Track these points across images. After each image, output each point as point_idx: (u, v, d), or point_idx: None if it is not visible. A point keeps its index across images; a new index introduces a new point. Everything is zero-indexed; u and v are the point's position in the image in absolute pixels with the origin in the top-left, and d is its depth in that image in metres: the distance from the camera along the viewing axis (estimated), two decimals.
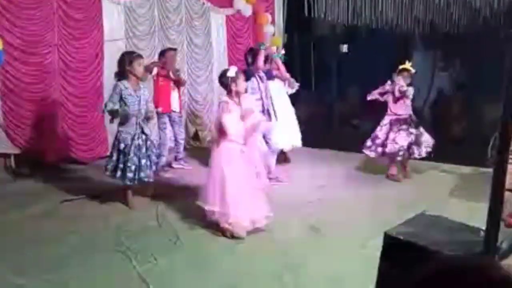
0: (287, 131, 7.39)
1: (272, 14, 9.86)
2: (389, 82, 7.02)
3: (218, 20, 9.27)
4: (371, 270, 2.33)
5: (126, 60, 5.64)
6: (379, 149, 6.84)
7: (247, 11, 9.34)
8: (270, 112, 6.75)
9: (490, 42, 10.38)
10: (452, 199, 6.04)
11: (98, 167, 7.48)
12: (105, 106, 5.67)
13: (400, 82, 6.79)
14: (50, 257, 4.45)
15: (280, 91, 7.52)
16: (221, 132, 4.88)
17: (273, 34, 9.81)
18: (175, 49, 7.40)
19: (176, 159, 7.58)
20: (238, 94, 4.98)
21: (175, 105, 7.22)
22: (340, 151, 8.57)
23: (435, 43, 12.43)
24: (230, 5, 9.21)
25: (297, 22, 10.73)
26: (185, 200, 5.80)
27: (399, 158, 6.82)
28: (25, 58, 6.94)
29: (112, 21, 7.75)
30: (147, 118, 5.84)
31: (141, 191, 6.03)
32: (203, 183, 5.15)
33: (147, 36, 8.07)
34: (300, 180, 7.05)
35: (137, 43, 7.97)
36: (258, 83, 6.66)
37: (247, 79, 6.38)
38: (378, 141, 6.86)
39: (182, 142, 7.55)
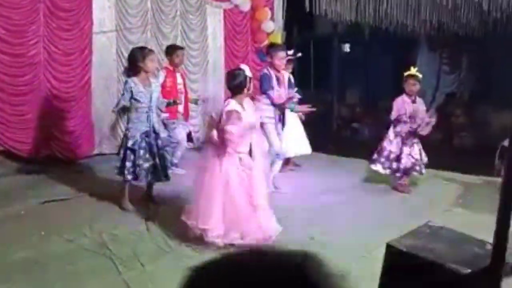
0: (294, 138, 7.36)
1: (272, 9, 9.87)
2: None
3: (215, 14, 9.27)
4: (372, 282, 2.34)
5: (138, 56, 5.66)
6: (394, 165, 6.71)
7: (246, 5, 9.34)
8: (284, 118, 6.62)
9: (500, 45, 10.48)
10: (457, 209, 6.07)
11: (84, 166, 7.52)
12: (117, 105, 5.76)
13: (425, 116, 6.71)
14: (30, 261, 4.42)
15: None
16: (224, 141, 4.66)
17: (272, 31, 9.83)
18: (182, 48, 7.38)
19: (170, 163, 7.50)
20: (245, 97, 4.85)
21: (181, 108, 7.25)
22: (339, 156, 8.58)
23: (442, 44, 12.51)
24: None
25: (297, 19, 10.74)
26: (177, 205, 5.80)
27: (413, 173, 6.78)
28: (9, 49, 6.91)
29: (102, 12, 7.75)
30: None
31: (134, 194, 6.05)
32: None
33: (139, 29, 8.07)
34: (298, 187, 7.03)
35: (128, 36, 7.97)
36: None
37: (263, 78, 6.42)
38: (392, 156, 6.72)
39: (184, 145, 7.51)
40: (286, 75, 6.73)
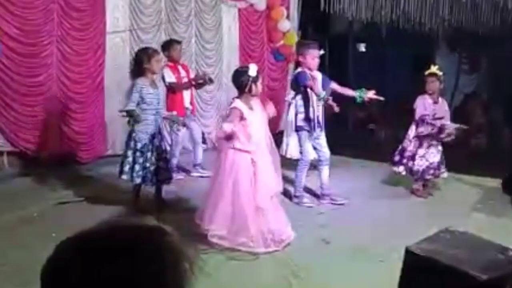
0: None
1: (288, 8, 9.87)
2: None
3: (230, 13, 9.28)
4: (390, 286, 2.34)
5: (144, 58, 5.72)
6: (409, 163, 6.64)
7: (262, 4, 9.35)
8: (319, 120, 6.31)
9: None
10: (476, 214, 6.02)
11: (97, 167, 7.56)
12: (125, 106, 5.84)
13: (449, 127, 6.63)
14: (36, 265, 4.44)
15: None
16: (228, 138, 4.73)
17: (288, 31, 9.82)
18: (179, 42, 7.39)
19: (194, 165, 7.48)
20: (253, 97, 4.84)
21: (187, 103, 7.23)
22: (355, 158, 8.53)
23: (461, 43, 12.42)
24: None
25: (312, 18, 10.72)
26: (192, 207, 5.84)
27: (428, 177, 6.70)
28: (22, 49, 6.99)
29: (116, 12, 7.79)
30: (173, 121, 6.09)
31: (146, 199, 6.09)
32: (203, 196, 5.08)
33: (153, 29, 8.11)
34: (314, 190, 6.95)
35: (142, 36, 8.01)
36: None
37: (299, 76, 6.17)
38: (406, 154, 6.67)
39: (200, 142, 7.53)
40: (319, 75, 6.35)
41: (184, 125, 6.80)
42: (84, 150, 7.58)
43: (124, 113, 5.84)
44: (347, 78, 12.09)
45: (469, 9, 9.78)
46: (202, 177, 7.06)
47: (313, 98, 6.14)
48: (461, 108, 11.56)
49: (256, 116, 4.80)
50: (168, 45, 7.13)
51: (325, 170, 6.36)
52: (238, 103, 4.76)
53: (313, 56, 6.17)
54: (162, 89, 6.55)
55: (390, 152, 6.92)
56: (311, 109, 6.16)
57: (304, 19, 10.52)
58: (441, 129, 6.55)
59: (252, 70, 4.81)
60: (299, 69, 6.29)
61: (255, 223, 4.71)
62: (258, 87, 4.88)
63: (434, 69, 6.68)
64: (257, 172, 4.75)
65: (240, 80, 4.80)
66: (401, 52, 12.29)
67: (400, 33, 11.17)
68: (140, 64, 5.78)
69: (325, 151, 6.34)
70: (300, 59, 6.32)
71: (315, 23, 11.00)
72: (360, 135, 11.23)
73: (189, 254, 0.98)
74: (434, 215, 5.69)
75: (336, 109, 6.68)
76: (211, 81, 7.31)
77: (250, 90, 4.79)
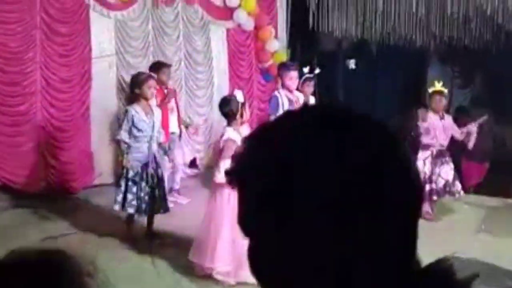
0: None
1: (276, 27, 9.95)
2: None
3: (218, 35, 9.30)
4: None
5: (136, 83, 5.74)
6: (427, 187, 6.50)
7: (249, 24, 9.42)
8: None
9: None
10: (480, 236, 6.05)
11: (84, 197, 7.49)
12: (116, 135, 5.87)
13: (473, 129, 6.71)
14: None
15: None
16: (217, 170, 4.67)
17: (276, 50, 9.89)
18: (169, 65, 7.37)
19: (171, 190, 7.39)
20: (243, 123, 4.87)
21: (174, 127, 7.22)
22: None
23: (454, 58, 12.59)
24: (231, 17, 9.24)
25: (300, 36, 10.81)
26: (183, 239, 5.81)
27: (435, 198, 6.63)
28: (5, 78, 6.96)
29: (102, 36, 7.76)
30: (158, 145, 6.00)
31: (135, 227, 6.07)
32: (197, 231, 5.02)
33: (141, 52, 8.13)
34: None
35: (130, 60, 7.98)
36: (283, 107, 6.25)
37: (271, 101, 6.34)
38: (424, 178, 6.50)
39: (181, 168, 7.53)
40: (302, 98, 6.55)
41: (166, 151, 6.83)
42: (71, 181, 7.48)
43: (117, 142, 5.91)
44: (337, 96, 12.21)
45: (461, 23, 9.95)
46: (176, 203, 7.13)
47: None
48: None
49: None
50: (156, 68, 7.05)
51: None
52: (231, 133, 4.74)
53: (290, 77, 6.34)
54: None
55: None
56: None
57: (293, 38, 10.61)
58: (467, 135, 6.61)
59: (239, 96, 4.88)
60: (275, 93, 6.45)
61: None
62: (247, 112, 4.94)
63: (438, 86, 6.68)
64: None
65: (229, 108, 4.83)
66: (392, 69, 12.42)
67: (391, 50, 11.32)
68: (132, 90, 5.81)
69: None
70: (279, 80, 6.52)
71: (303, 42, 11.10)
72: None
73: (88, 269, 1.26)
74: (439, 238, 5.68)
75: None
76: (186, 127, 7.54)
77: (241, 116, 4.83)
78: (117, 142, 5.95)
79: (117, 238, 5.89)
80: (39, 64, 7.21)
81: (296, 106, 6.25)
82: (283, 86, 6.43)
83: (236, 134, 4.72)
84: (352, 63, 13.24)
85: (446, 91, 6.67)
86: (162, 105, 6.88)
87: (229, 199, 4.68)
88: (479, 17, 9.45)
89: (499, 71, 11.16)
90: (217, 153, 4.72)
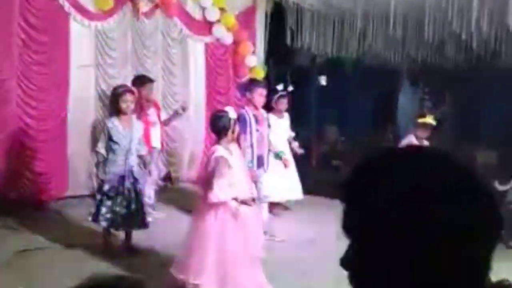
0: (283, 181, 7.26)
1: (254, 43, 10.03)
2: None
3: (196, 48, 9.32)
4: None
5: (113, 97, 5.78)
6: None
7: (228, 39, 9.48)
8: (263, 160, 6.47)
9: (484, 82, 10.89)
10: None
11: (57, 209, 7.37)
12: (97, 147, 5.82)
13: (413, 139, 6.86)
14: None
15: (282, 133, 7.51)
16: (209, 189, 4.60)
17: (254, 65, 9.96)
18: (153, 81, 7.33)
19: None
20: (232, 140, 4.84)
21: (155, 142, 7.17)
22: (319, 196, 8.47)
23: (424, 80, 12.90)
24: (210, 32, 9.29)
25: (273, 52, 10.91)
26: (161, 254, 5.81)
27: None
28: None
29: (81, 46, 7.70)
30: (139, 157, 5.95)
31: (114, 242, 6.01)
32: (182, 245, 4.98)
33: (120, 63, 8.07)
34: (291, 233, 6.92)
35: (109, 70, 7.92)
36: (250, 125, 6.29)
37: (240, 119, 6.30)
38: None
39: (156, 183, 7.49)
40: (265, 115, 6.65)
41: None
42: (45, 191, 7.38)
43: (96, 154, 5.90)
44: (309, 112, 12.34)
45: (435, 47, 10.22)
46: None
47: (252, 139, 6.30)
48: None
49: (236, 160, 4.82)
50: (140, 82, 7.01)
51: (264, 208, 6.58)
52: (222, 150, 4.68)
53: (259, 93, 6.38)
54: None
55: None
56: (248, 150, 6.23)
57: (268, 53, 10.69)
58: None
59: (232, 112, 4.88)
60: (241, 111, 6.30)
61: (244, 276, 4.66)
62: (236, 130, 4.93)
63: (429, 119, 6.90)
64: (243, 219, 4.75)
65: (221, 125, 4.77)
66: (364, 87, 12.62)
67: (363, 68, 11.52)
68: (111, 103, 5.83)
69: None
70: (248, 95, 6.48)
71: (278, 58, 11.19)
72: (324, 172, 11.31)
73: None
74: None
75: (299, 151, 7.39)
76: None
77: (233, 132, 4.82)
78: (95, 154, 5.92)
79: (93, 252, 5.82)
80: (16, 72, 7.09)
81: (262, 124, 6.43)
82: (250, 102, 6.43)
83: (227, 152, 4.70)
84: (323, 80, 13.39)
85: (433, 123, 6.90)
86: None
87: (217, 217, 4.69)
88: (453, 41, 9.72)
89: (469, 94, 11.47)
90: (208, 171, 4.68)
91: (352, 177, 0.96)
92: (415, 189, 0.86)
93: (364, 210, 0.90)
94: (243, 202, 4.65)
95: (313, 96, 12.63)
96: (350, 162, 11.96)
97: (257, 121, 6.36)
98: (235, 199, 4.63)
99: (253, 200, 4.82)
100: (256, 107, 6.41)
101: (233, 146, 4.90)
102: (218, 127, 4.80)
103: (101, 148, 5.72)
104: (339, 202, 0.98)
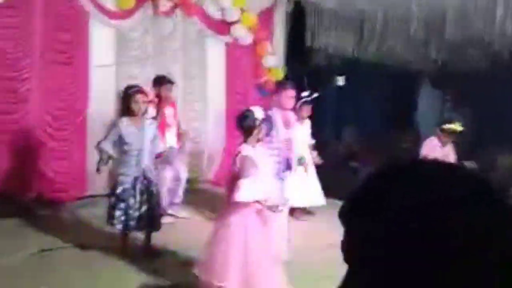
0: (305, 187, 7.24)
1: (272, 43, 9.98)
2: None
3: (215, 48, 9.29)
4: None
5: (125, 97, 5.71)
6: None
7: (247, 39, 9.44)
8: (291, 163, 6.23)
9: (507, 85, 10.75)
10: None
11: (78, 209, 7.35)
12: (99, 142, 5.73)
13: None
14: None
15: (303, 138, 7.42)
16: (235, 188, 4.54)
17: (273, 66, 9.91)
18: (173, 82, 7.28)
19: (171, 203, 7.29)
20: (259, 141, 4.79)
21: (172, 141, 7.15)
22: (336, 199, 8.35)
23: (446, 81, 12.75)
24: (229, 32, 9.25)
25: (293, 52, 10.84)
26: (183, 254, 5.78)
27: None
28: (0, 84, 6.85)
29: (101, 45, 7.71)
30: (157, 157, 5.90)
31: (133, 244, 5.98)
32: (205, 247, 4.88)
33: (140, 63, 8.07)
34: (312, 238, 6.85)
35: (129, 70, 7.92)
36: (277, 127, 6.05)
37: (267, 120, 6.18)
38: None
39: (184, 181, 7.43)
40: (294, 118, 6.47)
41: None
42: (65, 191, 7.39)
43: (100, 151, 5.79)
44: (327, 113, 12.26)
45: (456, 49, 10.09)
46: (176, 217, 7.15)
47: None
48: None
49: (262, 161, 4.77)
50: (160, 83, 7.02)
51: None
52: (248, 150, 4.65)
53: (288, 96, 6.22)
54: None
55: None
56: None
57: (288, 54, 10.63)
58: None
59: (259, 112, 4.82)
60: (269, 112, 5.90)
61: (268, 278, 4.63)
62: (263, 130, 4.87)
63: (457, 126, 6.75)
64: (267, 222, 4.72)
65: (247, 124, 4.72)
66: (383, 89, 12.54)
67: (384, 70, 11.43)
68: (123, 102, 5.78)
69: None
70: (276, 97, 6.38)
71: (297, 59, 11.12)
72: (341, 175, 11.18)
73: None
74: None
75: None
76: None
77: (259, 132, 4.77)
78: (99, 150, 5.79)
79: (115, 254, 5.80)
80: (37, 71, 7.10)
81: (289, 127, 6.22)
82: (279, 104, 6.26)
83: (253, 151, 4.65)
84: (341, 80, 13.31)
85: (460, 129, 6.76)
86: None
87: (241, 218, 4.65)
88: (475, 43, 9.60)
89: (491, 97, 11.34)
90: (234, 171, 4.64)
91: (363, 189, 0.91)
92: (431, 200, 0.82)
93: (378, 223, 0.84)
94: (269, 208, 4.61)
95: (331, 97, 12.55)
96: (368, 164, 11.91)
97: (285, 123, 6.20)
98: (260, 202, 4.58)
99: (278, 206, 4.77)
100: (284, 109, 6.25)
101: (260, 147, 4.86)
102: (243, 125, 4.75)
103: (106, 145, 5.63)
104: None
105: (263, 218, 4.67)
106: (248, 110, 4.90)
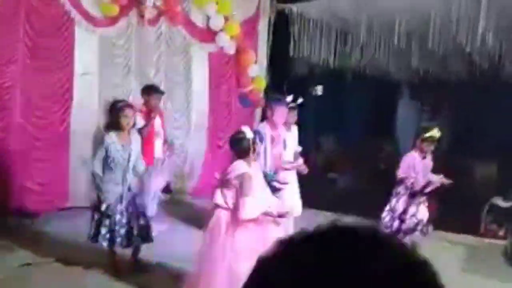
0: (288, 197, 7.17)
1: (256, 52, 9.97)
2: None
3: (199, 57, 9.25)
4: None
5: (112, 112, 5.53)
6: (396, 223, 6.60)
7: (231, 48, 9.41)
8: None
9: (484, 95, 10.90)
10: (467, 276, 6.14)
11: (59, 220, 7.17)
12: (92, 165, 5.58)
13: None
14: None
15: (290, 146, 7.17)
16: (236, 207, 4.51)
17: (256, 75, 9.91)
18: (162, 93, 7.19)
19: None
20: (254, 160, 4.73)
21: (158, 152, 7.08)
22: (315, 210, 8.34)
23: (424, 92, 12.89)
24: (213, 40, 9.23)
25: (276, 61, 10.84)
26: (168, 268, 5.73)
27: (417, 234, 6.60)
28: None
29: (86, 53, 7.60)
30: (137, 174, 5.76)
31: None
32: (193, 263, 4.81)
33: (123, 71, 7.98)
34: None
35: (112, 78, 7.83)
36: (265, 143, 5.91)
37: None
38: (395, 214, 6.62)
39: (157, 195, 7.34)
40: (284, 133, 6.36)
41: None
42: (46, 202, 7.24)
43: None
44: (306, 123, 12.27)
45: (438, 59, 10.21)
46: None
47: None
48: None
49: (257, 178, 4.75)
50: (148, 92, 6.93)
51: None
52: (245, 167, 4.58)
53: (281, 114, 6.10)
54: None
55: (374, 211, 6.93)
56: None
57: (271, 63, 10.63)
58: (427, 184, 6.70)
59: (249, 132, 4.77)
60: (258, 128, 6.02)
61: None
62: (257, 147, 4.83)
63: (435, 132, 6.74)
64: (264, 239, 4.67)
65: (243, 146, 4.67)
66: (363, 97, 12.61)
67: (364, 79, 11.49)
68: (110, 117, 5.60)
69: None
70: (269, 113, 6.22)
71: (279, 67, 11.12)
72: (321, 185, 11.17)
73: None
74: None
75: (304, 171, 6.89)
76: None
77: (254, 151, 4.72)
78: (92, 175, 5.64)
79: (100, 268, 5.68)
80: (20, 79, 6.96)
81: (277, 144, 6.15)
82: (269, 119, 6.16)
83: (248, 168, 4.60)
84: (319, 90, 13.32)
85: (437, 135, 6.76)
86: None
87: (232, 231, 4.59)
88: (457, 54, 9.73)
89: (470, 107, 11.49)
90: (235, 189, 4.54)
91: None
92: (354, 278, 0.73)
93: None
94: (280, 216, 4.64)
95: (310, 107, 12.55)
96: (346, 174, 11.94)
97: (272, 141, 6.09)
98: (268, 213, 4.61)
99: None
100: (275, 126, 6.13)
101: (254, 164, 4.81)
102: (240, 148, 4.70)
103: (97, 168, 5.49)
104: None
105: (264, 234, 4.60)
106: (241, 132, 4.83)
